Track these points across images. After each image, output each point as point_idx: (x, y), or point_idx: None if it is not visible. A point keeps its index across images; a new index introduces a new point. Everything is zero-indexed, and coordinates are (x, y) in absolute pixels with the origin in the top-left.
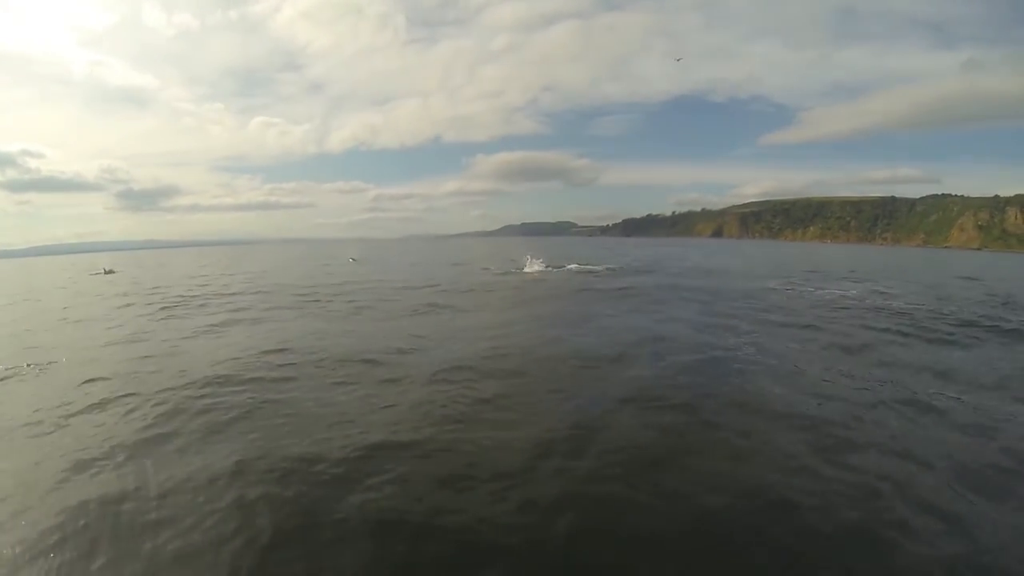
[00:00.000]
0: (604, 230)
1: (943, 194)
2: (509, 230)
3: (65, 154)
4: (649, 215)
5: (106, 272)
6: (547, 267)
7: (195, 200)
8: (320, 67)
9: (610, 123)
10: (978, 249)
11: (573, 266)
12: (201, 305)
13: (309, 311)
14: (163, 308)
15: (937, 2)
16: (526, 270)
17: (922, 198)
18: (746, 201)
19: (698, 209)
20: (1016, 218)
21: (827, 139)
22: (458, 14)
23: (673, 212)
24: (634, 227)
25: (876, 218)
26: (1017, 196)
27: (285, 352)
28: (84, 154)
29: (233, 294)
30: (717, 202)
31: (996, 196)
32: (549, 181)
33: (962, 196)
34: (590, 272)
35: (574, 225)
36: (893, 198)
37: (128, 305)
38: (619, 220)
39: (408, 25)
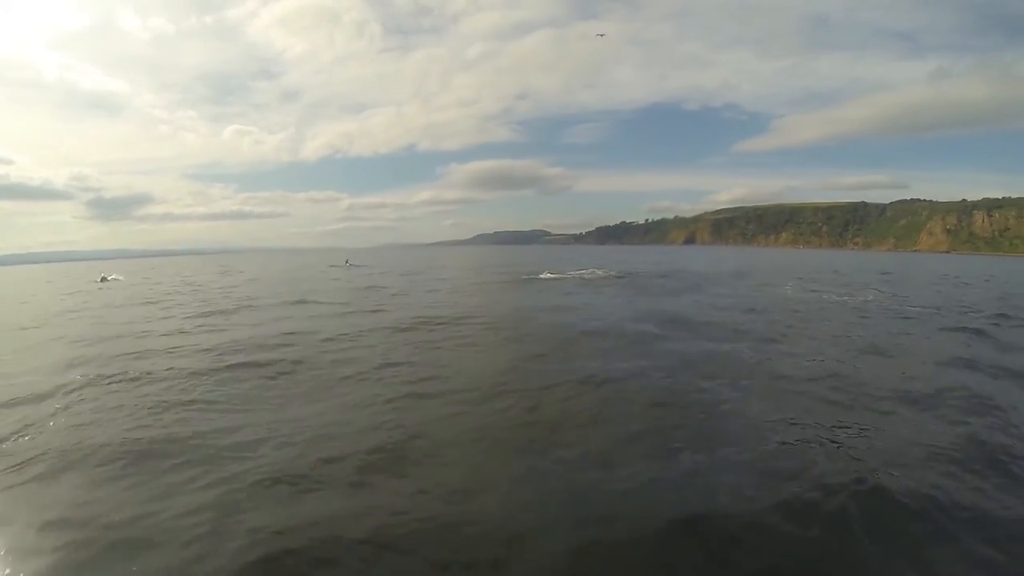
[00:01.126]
0: (578, 238)
1: (912, 199)
2: (482, 239)
3: (34, 160)
4: (623, 223)
5: (102, 280)
6: (555, 274)
7: (167, 209)
8: (295, 75)
9: (584, 131)
10: (947, 252)
11: (575, 272)
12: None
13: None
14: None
15: (906, 13)
16: (542, 276)
17: (892, 203)
18: (719, 208)
19: (671, 216)
20: (983, 222)
21: (799, 146)
22: (434, 22)
23: (647, 220)
24: (608, 235)
25: (847, 223)
26: (984, 200)
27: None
28: (53, 161)
29: (271, 303)
30: (690, 209)
31: (963, 200)
32: (522, 189)
33: (930, 201)
34: (600, 278)
35: (547, 233)
36: (864, 203)
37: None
38: (593, 228)
39: (384, 33)
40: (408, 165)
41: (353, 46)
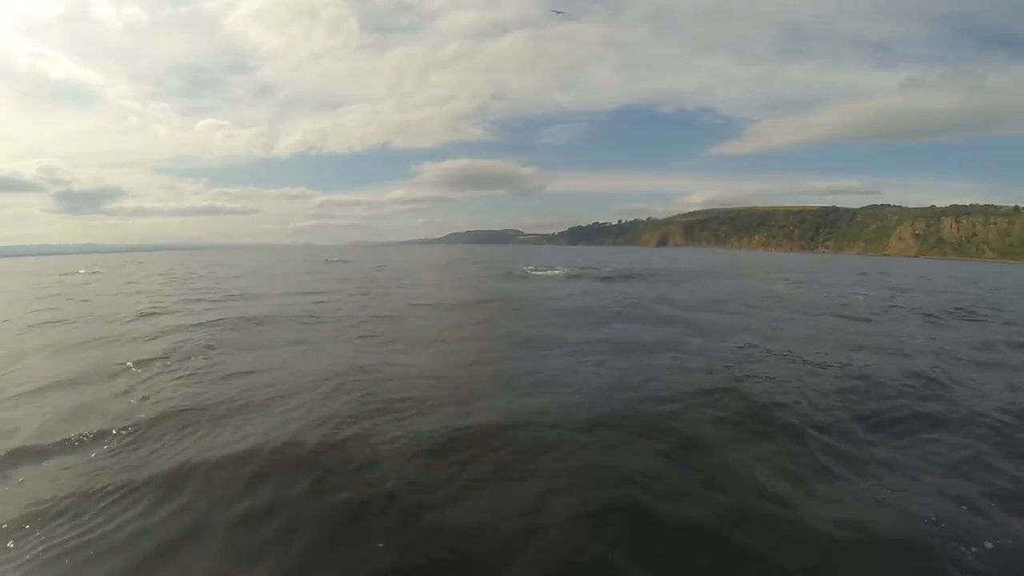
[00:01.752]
0: (550, 238)
1: (882, 204)
2: (454, 238)
3: (1, 151)
4: (595, 223)
5: (93, 272)
6: (542, 271)
7: (138, 203)
8: (270, 69)
9: (558, 132)
10: (915, 256)
11: (560, 270)
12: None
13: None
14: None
15: (880, 23)
16: (532, 272)
17: (862, 208)
18: (691, 210)
19: (644, 218)
20: (951, 227)
21: (772, 151)
22: (412, 20)
23: (620, 221)
24: (580, 235)
25: (818, 227)
26: (952, 207)
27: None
28: (22, 152)
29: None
30: (663, 211)
31: (932, 207)
32: (495, 189)
33: (900, 207)
34: (587, 275)
35: (520, 233)
36: (835, 208)
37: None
38: (565, 229)
39: (361, 30)
40: (381, 163)
41: (330, 42)
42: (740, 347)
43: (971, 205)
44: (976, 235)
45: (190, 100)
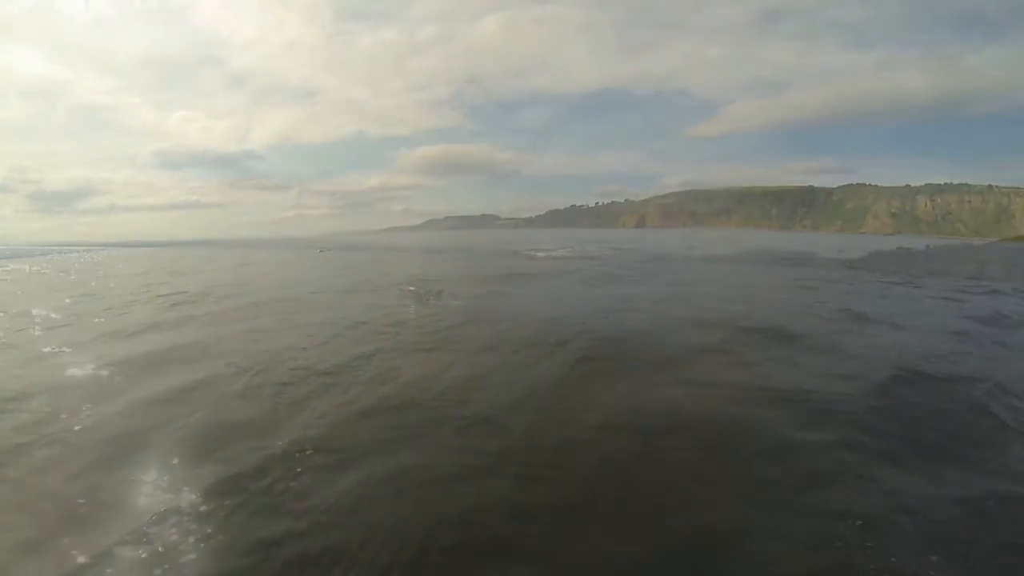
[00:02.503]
0: (529, 222)
1: (859, 184)
2: (432, 224)
3: None
4: (573, 206)
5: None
6: (543, 252)
7: (112, 200)
8: (243, 60)
9: (535, 115)
10: (891, 234)
11: (562, 251)
12: None
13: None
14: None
15: (856, 5)
16: (539, 254)
17: (839, 187)
18: (669, 191)
19: (622, 200)
20: (926, 206)
21: (749, 131)
22: (386, 6)
23: (597, 203)
24: (559, 218)
25: (796, 206)
26: (927, 185)
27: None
28: None
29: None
30: (640, 192)
31: (907, 186)
32: (472, 174)
33: (876, 186)
34: (590, 255)
35: (498, 218)
36: (812, 187)
37: None
38: (543, 212)
39: (335, 17)
40: (357, 151)
41: (303, 30)
42: (744, 302)
43: (945, 184)
44: (951, 213)
45: (162, 94)
